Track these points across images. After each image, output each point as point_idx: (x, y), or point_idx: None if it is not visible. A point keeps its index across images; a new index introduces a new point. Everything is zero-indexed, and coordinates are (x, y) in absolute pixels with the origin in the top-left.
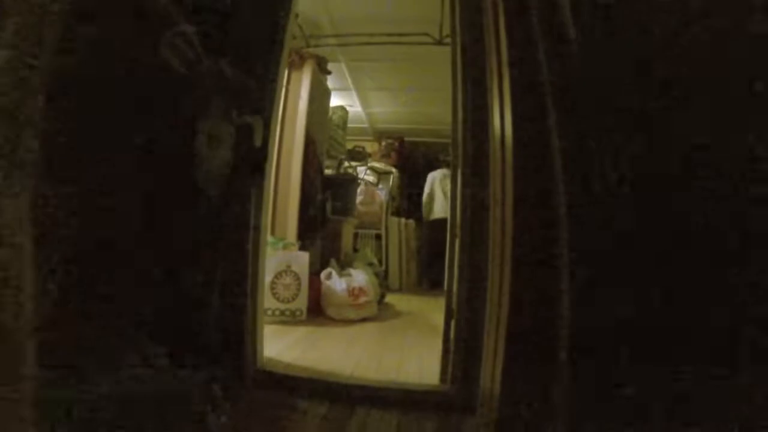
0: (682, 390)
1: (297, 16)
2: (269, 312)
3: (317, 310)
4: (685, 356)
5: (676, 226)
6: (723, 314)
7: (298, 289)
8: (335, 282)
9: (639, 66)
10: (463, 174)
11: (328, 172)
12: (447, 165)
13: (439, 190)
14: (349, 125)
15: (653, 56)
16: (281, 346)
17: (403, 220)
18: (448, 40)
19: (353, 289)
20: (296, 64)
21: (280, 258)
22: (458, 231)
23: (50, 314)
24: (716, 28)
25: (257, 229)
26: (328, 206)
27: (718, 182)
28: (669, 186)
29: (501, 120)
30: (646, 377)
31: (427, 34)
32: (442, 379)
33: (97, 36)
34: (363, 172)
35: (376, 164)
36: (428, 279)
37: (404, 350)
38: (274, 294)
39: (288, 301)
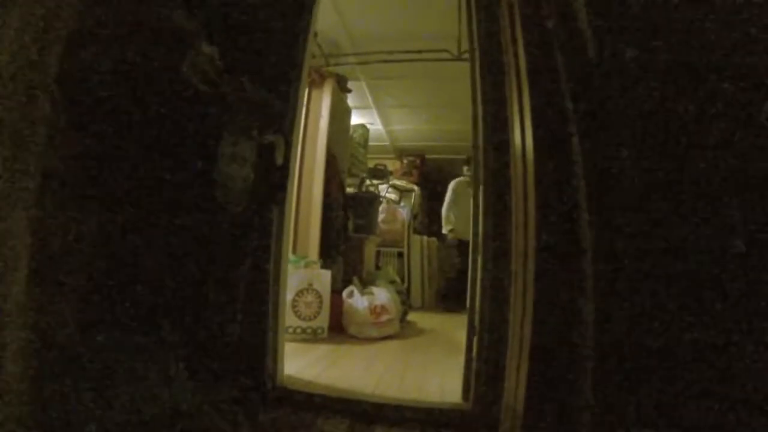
0: (709, 412)
1: (316, 35)
2: (290, 330)
3: (339, 328)
4: (712, 380)
5: (706, 246)
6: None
7: (320, 307)
8: (357, 300)
9: (660, 77)
10: (484, 191)
11: (349, 190)
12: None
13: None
14: (370, 143)
15: (675, 67)
16: (302, 363)
17: (425, 238)
18: (467, 55)
19: (375, 307)
20: (316, 83)
21: (302, 276)
22: (480, 249)
23: (66, 332)
24: (736, 41)
25: (279, 247)
26: (350, 224)
27: (754, 200)
28: (698, 202)
29: (522, 135)
30: (670, 397)
31: (445, 51)
32: (465, 398)
33: (112, 56)
34: (385, 190)
35: (398, 182)
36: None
37: (426, 368)
38: (295, 312)
39: (309, 319)
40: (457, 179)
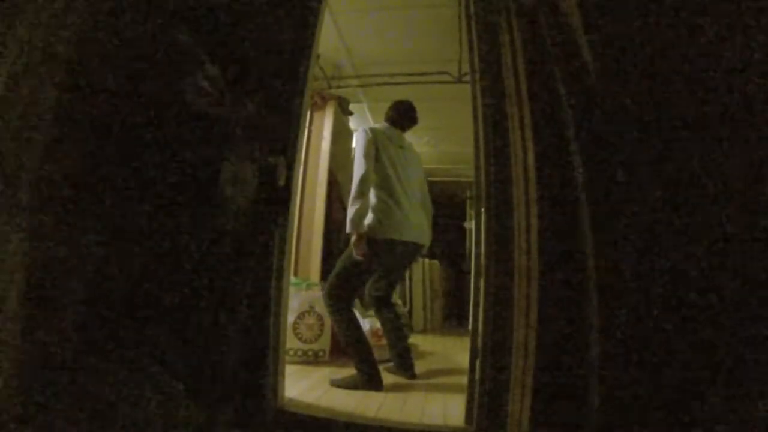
0: None
1: (318, 57)
2: (291, 352)
3: (340, 350)
4: (719, 408)
5: (709, 266)
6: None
7: (321, 330)
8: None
9: (660, 100)
10: (486, 213)
11: None
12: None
13: None
14: None
15: (674, 91)
16: (303, 386)
17: (427, 260)
18: (468, 78)
19: (377, 330)
20: (318, 106)
21: (304, 298)
22: (483, 270)
23: (67, 354)
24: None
25: (280, 269)
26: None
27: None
28: (701, 224)
29: (523, 157)
30: (677, 421)
31: (446, 73)
32: (468, 421)
33: (116, 75)
34: None
35: None
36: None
37: (428, 391)
38: (296, 334)
39: (311, 342)
40: (377, 126)
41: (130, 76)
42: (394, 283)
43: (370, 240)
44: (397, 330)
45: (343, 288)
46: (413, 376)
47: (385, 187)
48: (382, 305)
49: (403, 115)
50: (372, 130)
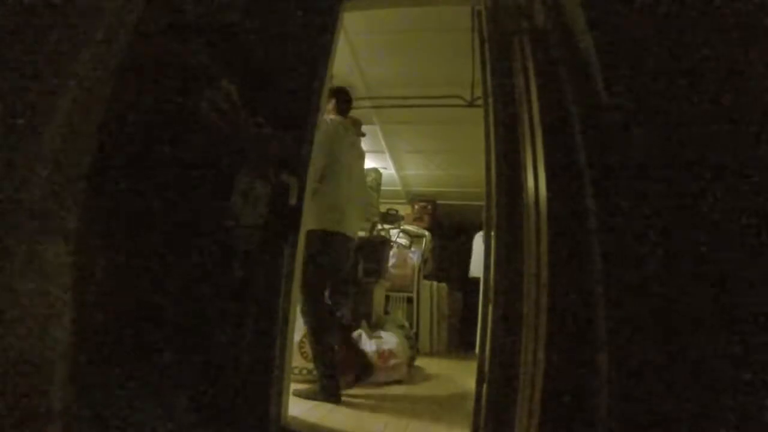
0: None
1: (332, 78)
2: (296, 371)
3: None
4: None
5: (718, 294)
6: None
7: None
8: (365, 343)
9: (675, 124)
10: (496, 238)
11: (360, 234)
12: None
13: None
14: (382, 188)
15: (688, 118)
16: (307, 405)
17: (435, 283)
18: (480, 102)
19: (383, 351)
20: None
21: None
22: (491, 295)
23: (81, 366)
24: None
25: (288, 287)
26: (360, 268)
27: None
28: (710, 250)
29: (535, 183)
30: None
31: (458, 96)
32: None
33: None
34: (396, 235)
35: (409, 227)
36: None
37: (433, 415)
38: (302, 353)
39: None
40: (335, 118)
41: (156, 91)
42: (338, 276)
43: (322, 233)
44: (330, 336)
45: (311, 289)
46: (338, 402)
47: (334, 180)
48: (309, 298)
49: (346, 102)
50: (333, 121)
